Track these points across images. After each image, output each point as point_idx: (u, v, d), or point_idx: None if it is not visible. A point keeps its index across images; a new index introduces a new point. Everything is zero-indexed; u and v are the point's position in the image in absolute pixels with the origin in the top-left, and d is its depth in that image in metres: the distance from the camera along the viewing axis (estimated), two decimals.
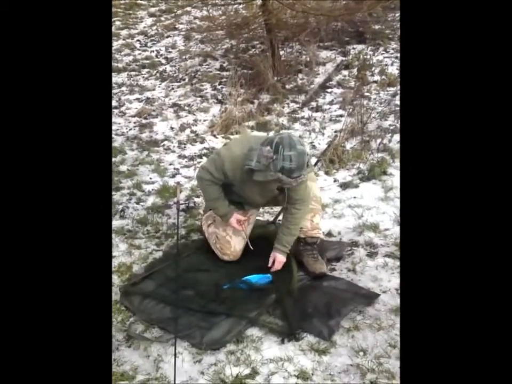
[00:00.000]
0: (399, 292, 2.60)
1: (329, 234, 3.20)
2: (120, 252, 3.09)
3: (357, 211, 3.42)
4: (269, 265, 2.75)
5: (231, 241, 2.86)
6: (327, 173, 4.00)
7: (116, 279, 2.83)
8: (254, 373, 2.17)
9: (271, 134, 4.76)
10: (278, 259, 2.76)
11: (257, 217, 3.14)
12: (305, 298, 2.59)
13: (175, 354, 2.14)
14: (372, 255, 2.97)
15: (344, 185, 3.79)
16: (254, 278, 2.71)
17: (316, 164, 3.95)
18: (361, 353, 2.25)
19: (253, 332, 2.41)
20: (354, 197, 3.61)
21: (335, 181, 3.88)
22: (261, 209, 3.22)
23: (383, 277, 2.76)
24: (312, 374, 2.16)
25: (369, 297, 2.59)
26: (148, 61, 6.87)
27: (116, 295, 2.69)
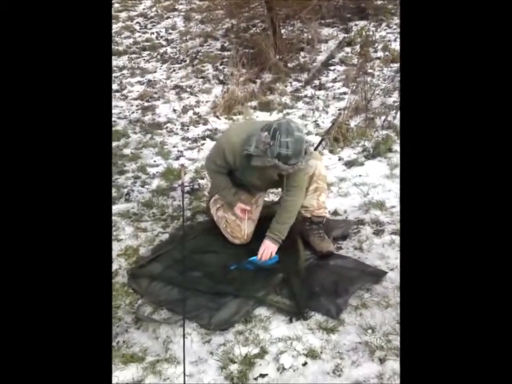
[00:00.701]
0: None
1: (335, 213, 3.19)
2: (126, 235, 3.09)
3: (362, 189, 3.40)
4: (259, 255, 2.68)
5: (241, 225, 2.86)
6: (331, 152, 3.97)
7: (123, 262, 2.84)
8: (263, 352, 2.18)
9: (273, 118, 4.74)
10: (267, 246, 2.68)
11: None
12: (312, 277, 2.59)
13: (183, 335, 2.15)
14: (378, 233, 2.96)
15: (349, 164, 3.76)
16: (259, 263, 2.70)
17: (320, 144, 3.93)
18: (369, 331, 2.26)
19: (261, 311, 2.42)
20: (360, 175, 3.59)
21: (340, 159, 3.85)
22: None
23: (390, 255, 2.75)
24: (321, 353, 2.16)
25: (377, 275, 2.59)
26: (148, 43, 6.81)
27: (123, 277, 2.70)
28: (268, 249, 2.69)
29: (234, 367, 2.12)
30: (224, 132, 2.92)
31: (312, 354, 2.15)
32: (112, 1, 8.16)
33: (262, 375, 2.08)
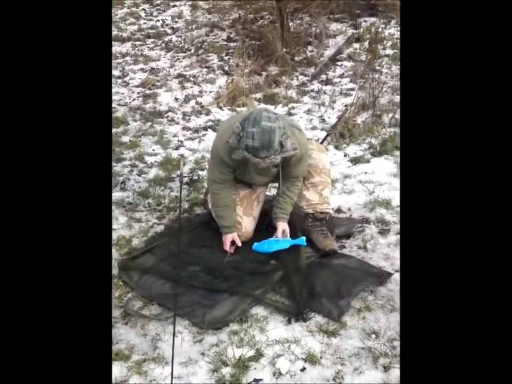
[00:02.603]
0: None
1: (338, 210, 3.05)
2: (119, 225, 2.96)
3: (368, 187, 3.26)
4: (279, 235, 2.63)
5: (242, 222, 2.71)
6: (337, 147, 3.84)
7: (114, 252, 2.69)
8: (258, 355, 2.04)
9: (277, 111, 4.61)
10: (284, 226, 2.67)
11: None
12: (313, 276, 2.45)
13: (173, 333, 2.00)
14: (383, 232, 2.82)
15: (355, 160, 3.63)
16: (286, 242, 2.61)
17: (325, 139, 3.79)
18: (373, 335, 2.11)
19: (258, 311, 2.27)
20: (365, 172, 3.45)
21: (345, 155, 3.72)
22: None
23: (395, 255, 2.61)
24: (321, 357, 2.02)
25: (381, 277, 2.45)
26: (153, 31, 6.68)
27: (113, 269, 2.56)
28: (287, 229, 2.66)
29: (226, 370, 1.97)
30: (216, 134, 2.76)
31: (311, 359, 2.01)
32: None
33: (256, 380, 1.94)
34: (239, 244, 2.65)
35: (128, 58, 5.91)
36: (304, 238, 2.62)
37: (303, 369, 1.98)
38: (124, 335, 2.17)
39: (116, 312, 2.29)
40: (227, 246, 2.64)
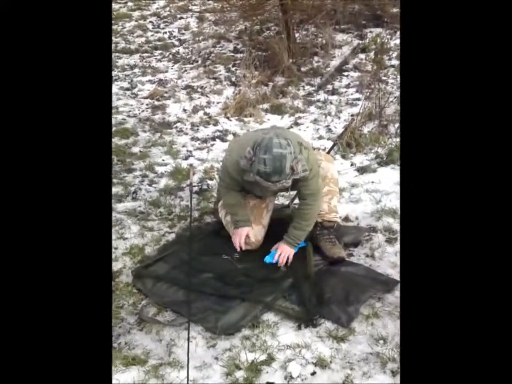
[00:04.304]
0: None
1: (346, 219, 3.11)
2: (132, 234, 3.03)
3: (375, 196, 3.32)
4: (275, 259, 2.65)
5: (252, 231, 2.78)
6: (343, 157, 3.90)
7: (127, 260, 2.77)
8: (270, 359, 2.10)
9: (284, 121, 4.67)
10: (284, 249, 2.66)
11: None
12: (322, 283, 2.51)
13: (188, 339, 2.07)
14: (391, 241, 2.88)
15: (362, 170, 3.68)
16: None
17: (332, 148, 3.85)
18: (381, 341, 2.17)
19: (269, 316, 2.34)
20: (372, 182, 3.51)
21: (352, 164, 3.78)
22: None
23: None
24: (331, 362, 2.08)
25: (389, 284, 2.50)
26: (160, 43, 6.76)
27: (127, 277, 2.63)
28: (285, 253, 2.65)
29: (240, 374, 2.04)
30: (227, 149, 2.83)
31: (321, 363, 2.07)
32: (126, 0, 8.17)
33: (269, 383, 2.00)
34: (253, 240, 2.72)
35: (136, 70, 5.99)
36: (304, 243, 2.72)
37: (313, 373, 2.04)
38: (139, 341, 2.24)
39: (131, 319, 2.36)
40: (242, 239, 2.70)
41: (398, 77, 5.25)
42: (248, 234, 2.72)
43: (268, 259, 2.68)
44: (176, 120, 4.74)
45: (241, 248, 2.72)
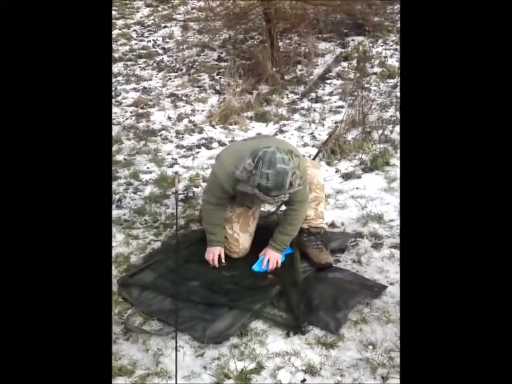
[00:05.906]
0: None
1: (332, 225, 3.11)
2: (117, 242, 2.99)
3: (360, 202, 3.33)
4: (263, 265, 2.65)
5: (239, 239, 2.76)
6: (328, 164, 3.90)
7: (113, 269, 2.72)
8: (259, 368, 2.08)
9: (269, 129, 4.67)
10: (272, 254, 2.66)
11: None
12: (310, 290, 2.50)
13: (175, 348, 2.05)
14: (377, 246, 2.89)
15: (346, 176, 3.70)
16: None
17: (316, 155, 3.87)
18: (370, 347, 2.17)
19: (257, 324, 2.32)
20: (357, 188, 3.52)
21: (336, 171, 3.79)
22: None
23: (389, 269, 2.67)
24: (320, 369, 2.07)
25: (376, 289, 2.50)
26: (144, 51, 6.74)
27: (113, 286, 2.59)
28: (273, 258, 2.66)
29: (229, 383, 2.01)
30: (217, 161, 2.80)
31: (311, 370, 2.06)
32: None
33: None
34: (223, 261, 2.71)
35: (120, 78, 5.96)
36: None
37: (303, 381, 2.02)
38: (125, 351, 2.20)
39: (116, 329, 2.32)
40: (215, 258, 2.69)
41: (381, 84, 5.31)
42: (220, 254, 2.71)
43: (256, 267, 2.66)
44: (161, 128, 4.72)
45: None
